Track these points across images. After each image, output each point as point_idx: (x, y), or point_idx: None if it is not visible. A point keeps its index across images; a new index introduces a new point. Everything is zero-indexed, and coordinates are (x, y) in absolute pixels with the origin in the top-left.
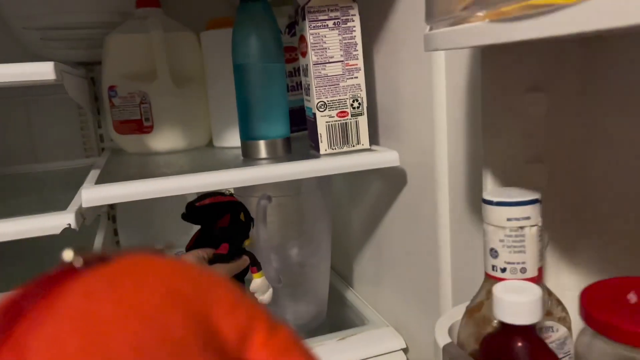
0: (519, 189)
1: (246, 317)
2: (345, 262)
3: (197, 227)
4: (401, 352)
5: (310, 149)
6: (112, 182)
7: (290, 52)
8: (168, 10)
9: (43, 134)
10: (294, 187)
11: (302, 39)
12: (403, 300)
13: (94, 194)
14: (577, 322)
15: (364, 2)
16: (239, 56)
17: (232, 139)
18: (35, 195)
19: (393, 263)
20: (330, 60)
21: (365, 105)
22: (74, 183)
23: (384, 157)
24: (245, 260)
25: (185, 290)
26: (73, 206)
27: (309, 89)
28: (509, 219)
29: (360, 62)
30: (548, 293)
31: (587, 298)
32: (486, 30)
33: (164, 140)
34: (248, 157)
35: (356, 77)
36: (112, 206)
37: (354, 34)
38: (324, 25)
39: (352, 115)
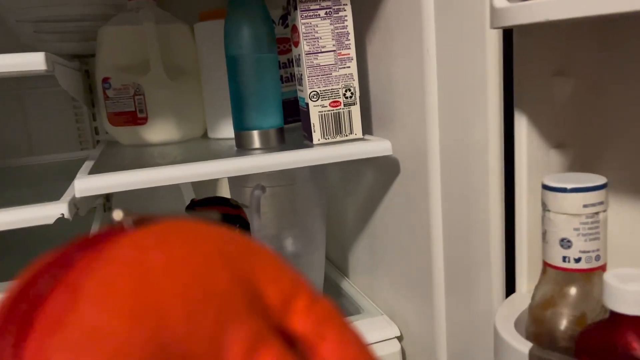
0: (574, 173)
1: (290, 284)
2: (340, 252)
3: None
4: (395, 340)
5: (304, 139)
6: (105, 172)
7: (284, 44)
8: (161, 2)
9: (38, 127)
10: (288, 177)
11: (294, 29)
12: (397, 289)
13: (87, 184)
14: None
15: None
16: (231, 47)
17: (227, 131)
18: (30, 187)
19: (387, 252)
20: (323, 50)
21: (357, 94)
22: (69, 175)
23: (377, 147)
24: None
25: (231, 253)
26: (66, 196)
27: (301, 78)
28: (585, 206)
29: (352, 52)
30: None
31: None
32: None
33: (158, 131)
34: (242, 147)
35: (348, 67)
36: (108, 198)
37: (345, 23)
38: (316, 15)
39: (344, 105)
